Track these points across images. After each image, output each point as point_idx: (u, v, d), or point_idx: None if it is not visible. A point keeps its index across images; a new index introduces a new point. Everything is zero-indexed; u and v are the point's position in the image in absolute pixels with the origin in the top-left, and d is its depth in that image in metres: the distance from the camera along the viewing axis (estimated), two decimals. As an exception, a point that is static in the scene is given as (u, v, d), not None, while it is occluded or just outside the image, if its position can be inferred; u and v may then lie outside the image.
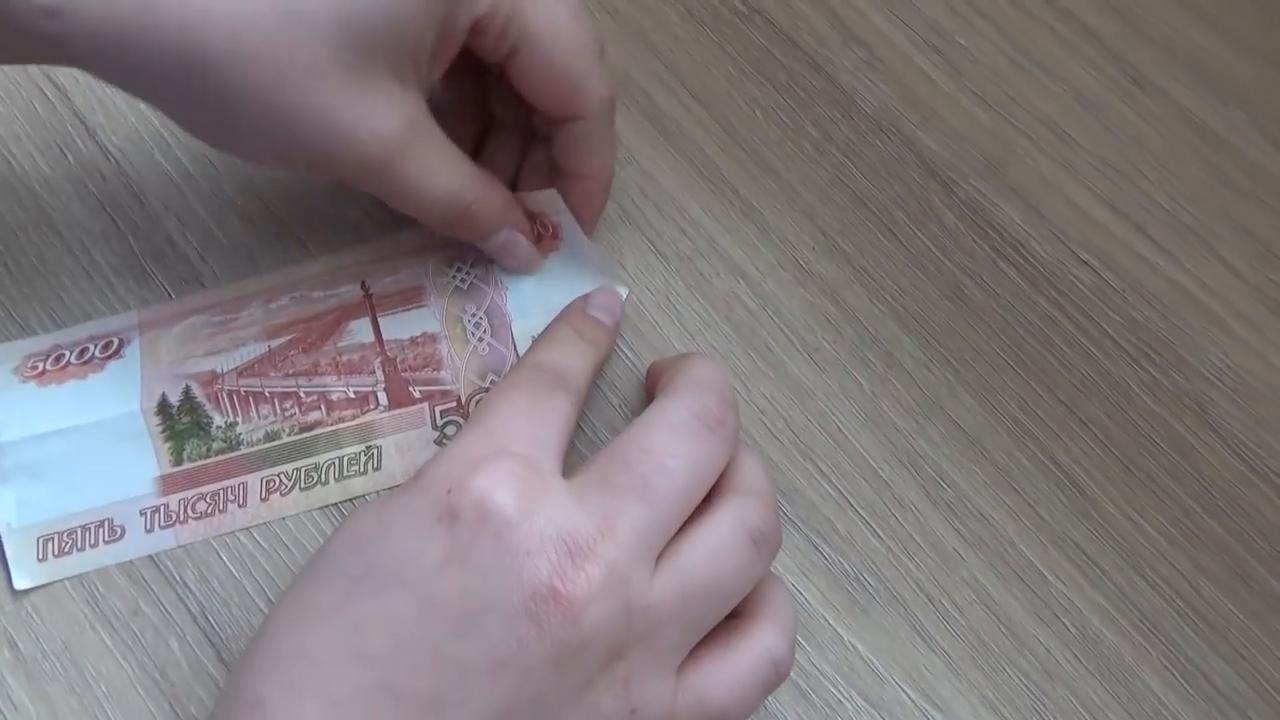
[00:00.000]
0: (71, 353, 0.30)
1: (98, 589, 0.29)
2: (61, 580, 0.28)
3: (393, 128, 0.25)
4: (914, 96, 0.36)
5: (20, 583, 0.28)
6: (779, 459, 0.31)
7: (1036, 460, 0.31)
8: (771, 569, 0.27)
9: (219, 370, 0.29)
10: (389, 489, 0.29)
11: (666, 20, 0.36)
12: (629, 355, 0.32)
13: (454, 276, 0.31)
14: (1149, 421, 0.32)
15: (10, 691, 0.28)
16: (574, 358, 0.27)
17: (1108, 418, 0.32)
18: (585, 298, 0.30)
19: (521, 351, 0.30)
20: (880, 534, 0.30)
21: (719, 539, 0.24)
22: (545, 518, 0.22)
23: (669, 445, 0.24)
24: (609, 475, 0.24)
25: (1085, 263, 0.33)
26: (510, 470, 0.23)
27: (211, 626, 0.28)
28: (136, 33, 0.23)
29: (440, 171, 0.27)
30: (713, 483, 0.25)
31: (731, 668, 0.24)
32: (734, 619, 0.25)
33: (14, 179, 0.33)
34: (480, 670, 0.22)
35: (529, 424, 0.24)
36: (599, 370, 0.29)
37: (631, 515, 0.23)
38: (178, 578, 0.29)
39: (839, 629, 0.29)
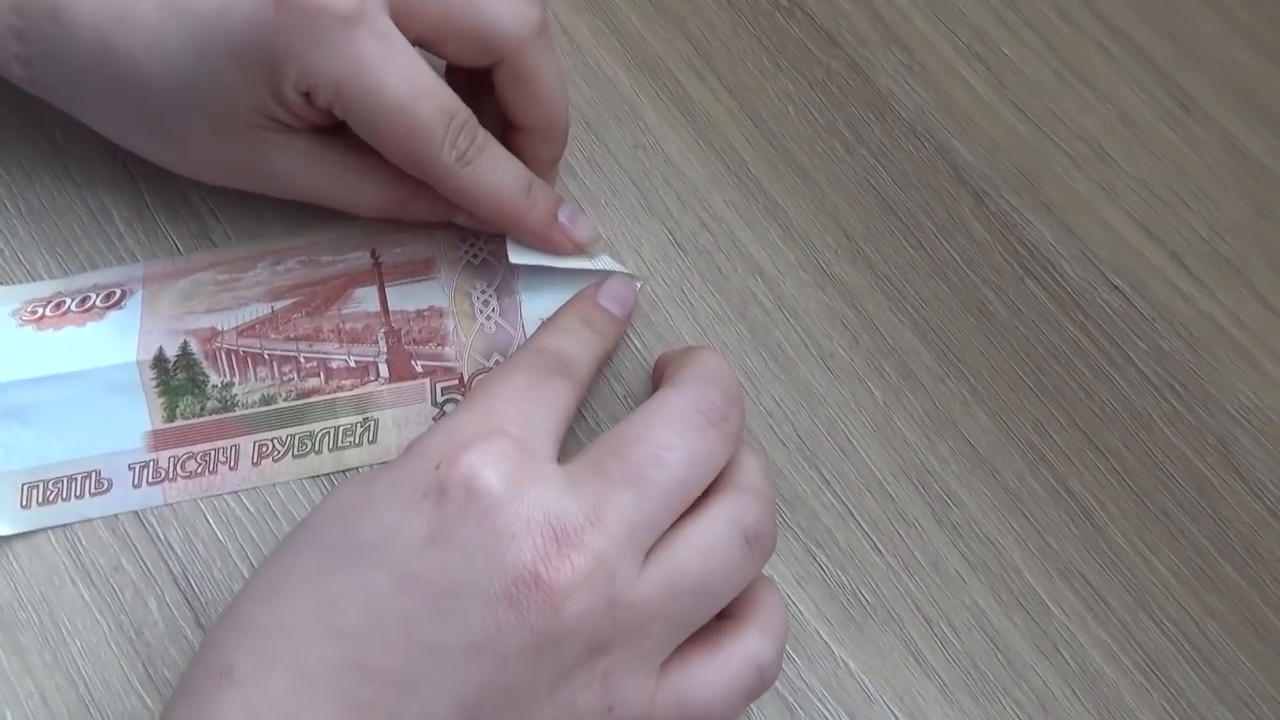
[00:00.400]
0: (73, 300, 0.29)
1: (80, 542, 0.28)
2: (44, 529, 0.28)
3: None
4: (952, 104, 0.35)
5: (2, 528, 0.27)
6: (783, 464, 0.30)
7: (1049, 486, 0.30)
8: (766, 574, 0.27)
9: (219, 328, 0.29)
10: (383, 463, 0.29)
11: (704, 7, 0.35)
12: (638, 346, 0.31)
13: (466, 251, 0.30)
14: (1169, 456, 0.31)
15: (-15, 638, 0.27)
16: (579, 346, 0.26)
17: (1126, 448, 0.31)
18: (597, 285, 0.29)
19: (530, 333, 0.29)
20: (882, 549, 0.29)
21: (712, 536, 0.23)
22: (534, 501, 0.22)
23: (667, 437, 0.23)
24: (603, 463, 0.23)
25: (1116, 287, 0.32)
26: (502, 450, 0.22)
27: (192, 589, 0.28)
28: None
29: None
30: (711, 479, 0.24)
31: (716, 670, 0.23)
32: (722, 620, 0.24)
33: (33, 121, 0.33)
34: (455, 653, 0.21)
35: (525, 406, 0.24)
36: (605, 360, 0.28)
37: (623, 506, 0.22)
38: (162, 537, 0.28)
39: (831, 644, 0.28)
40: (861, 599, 0.29)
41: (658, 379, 0.28)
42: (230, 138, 0.28)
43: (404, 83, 0.25)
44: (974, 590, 0.29)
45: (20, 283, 0.31)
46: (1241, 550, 0.30)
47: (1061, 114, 0.35)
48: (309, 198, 0.29)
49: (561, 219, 0.29)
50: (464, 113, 0.26)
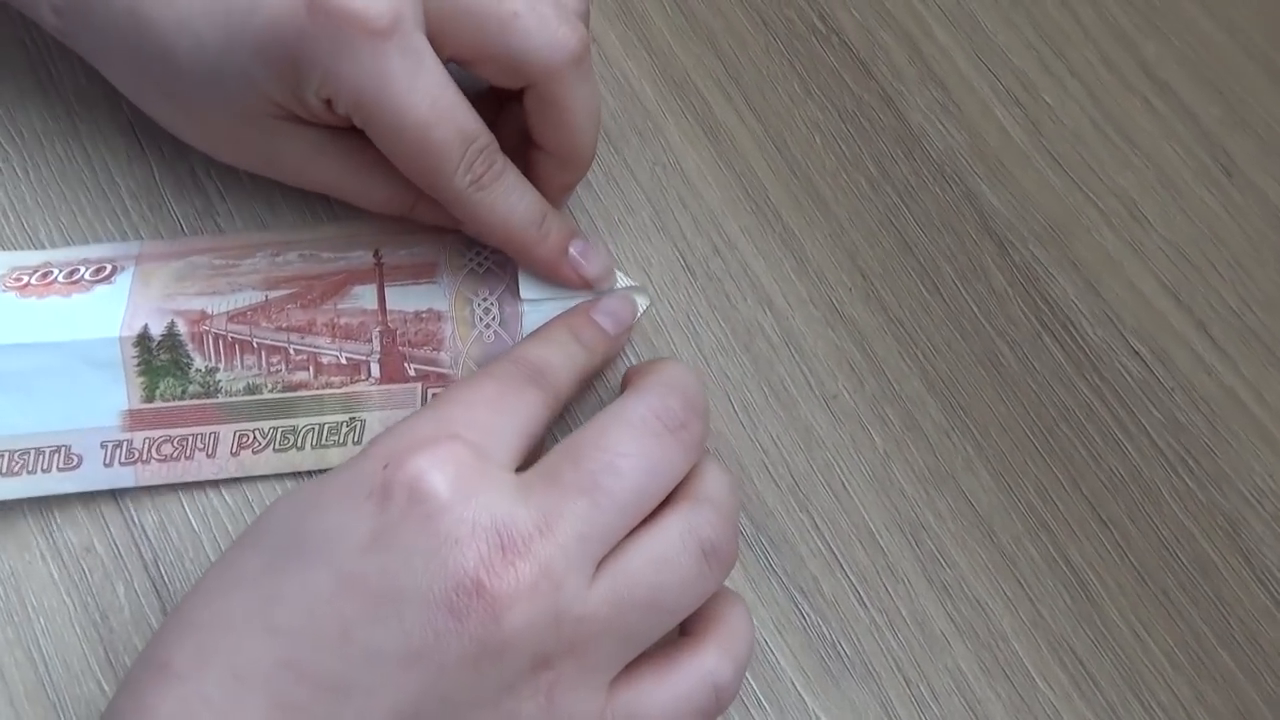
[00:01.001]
0: (61, 271, 0.29)
1: (55, 519, 0.28)
2: (7, 500, 0.27)
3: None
4: (985, 147, 0.34)
5: None
6: (774, 505, 0.29)
7: (1046, 554, 0.29)
8: (733, 590, 0.26)
9: (209, 311, 0.28)
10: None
11: (738, 25, 0.35)
12: (637, 369, 0.30)
13: (471, 259, 0.30)
14: (1175, 533, 0.29)
15: (-51, 607, 0.27)
16: (561, 358, 0.26)
17: (1131, 522, 0.30)
18: (596, 301, 0.28)
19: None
20: (867, 602, 0.28)
21: (665, 547, 0.22)
22: (481, 506, 0.21)
23: (623, 444, 0.22)
24: (558, 470, 0.22)
25: (1136, 352, 0.31)
26: (453, 454, 0.22)
27: (161, 577, 0.28)
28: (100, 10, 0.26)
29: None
30: (668, 488, 0.23)
31: (670, 687, 0.22)
32: (682, 636, 0.24)
33: (49, 86, 0.32)
34: (391, 660, 0.20)
35: (490, 413, 0.23)
36: (590, 375, 0.28)
37: (575, 515, 0.22)
38: (137, 521, 0.28)
39: (805, 696, 0.28)
40: (841, 652, 0.28)
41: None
42: (247, 122, 0.27)
43: (427, 104, 0.25)
44: (958, 654, 0.28)
45: (22, 249, 0.30)
46: (1241, 639, 0.29)
47: (1098, 167, 0.34)
48: (318, 188, 0.29)
49: (573, 252, 0.28)
50: (484, 138, 0.26)
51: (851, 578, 0.29)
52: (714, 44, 0.34)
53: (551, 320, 0.28)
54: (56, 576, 0.27)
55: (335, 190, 0.29)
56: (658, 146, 0.33)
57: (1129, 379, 0.31)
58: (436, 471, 0.21)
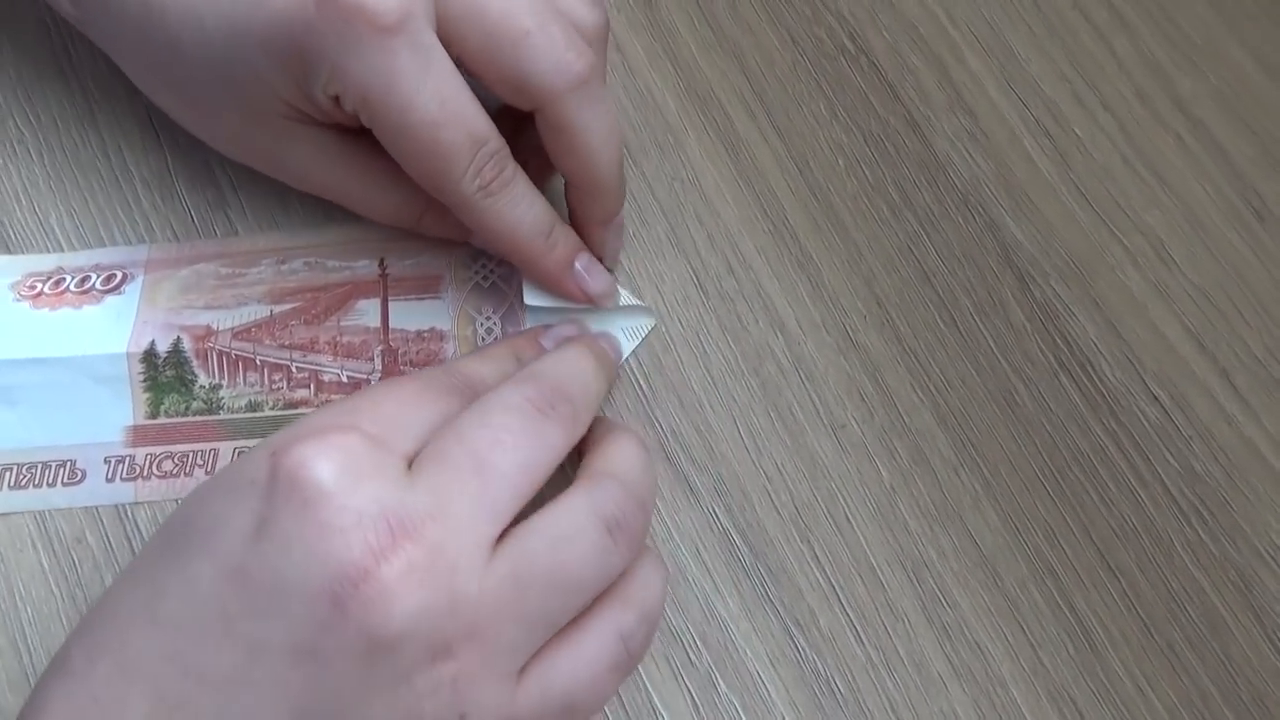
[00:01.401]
0: (73, 279, 0.29)
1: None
2: (10, 514, 0.27)
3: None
4: (1011, 178, 0.33)
5: None
6: (774, 533, 0.29)
7: (1051, 599, 0.28)
8: (651, 546, 0.25)
9: (215, 327, 0.28)
10: None
11: (766, 41, 0.34)
12: (641, 384, 0.30)
13: (476, 272, 0.29)
14: (1185, 586, 0.29)
15: (-62, 591, 0.27)
16: (495, 375, 0.25)
17: (1140, 571, 0.29)
18: (545, 328, 0.28)
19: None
20: (864, 639, 0.28)
21: (566, 524, 0.22)
22: (370, 496, 0.20)
23: (508, 423, 0.22)
24: (444, 452, 0.21)
25: (1155, 397, 0.31)
26: (344, 444, 0.21)
27: (151, 572, 0.27)
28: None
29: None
30: (555, 465, 0.23)
31: (574, 652, 0.22)
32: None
33: (69, 70, 0.32)
34: (277, 654, 0.20)
35: (399, 408, 0.22)
36: None
37: (465, 495, 0.21)
38: (129, 515, 0.28)
39: (795, 731, 0.27)
40: (835, 688, 0.27)
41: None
42: (255, 121, 0.27)
43: (435, 103, 0.24)
44: (954, 698, 0.27)
45: (31, 233, 0.30)
46: (1248, 699, 0.28)
47: (1125, 204, 0.33)
48: (323, 194, 0.29)
49: (578, 266, 0.28)
50: (495, 142, 0.25)
51: (850, 613, 0.28)
52: (740, 60, 0.34)
53: (498, 340, 0.27)
54: (46, 566, 0.27)
55: (341, 197, 0.29)
56: (677, 161, 0.32)
57: (1146, 424, 0.30)
58: (322, 459, 0.20)
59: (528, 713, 0.21)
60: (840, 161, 0.33)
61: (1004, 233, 0.32)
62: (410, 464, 0.22)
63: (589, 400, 0.24)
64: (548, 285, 0.28)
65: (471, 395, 0.24)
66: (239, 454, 0.28)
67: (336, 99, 0.25)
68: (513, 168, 0.26)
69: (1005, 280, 0.32)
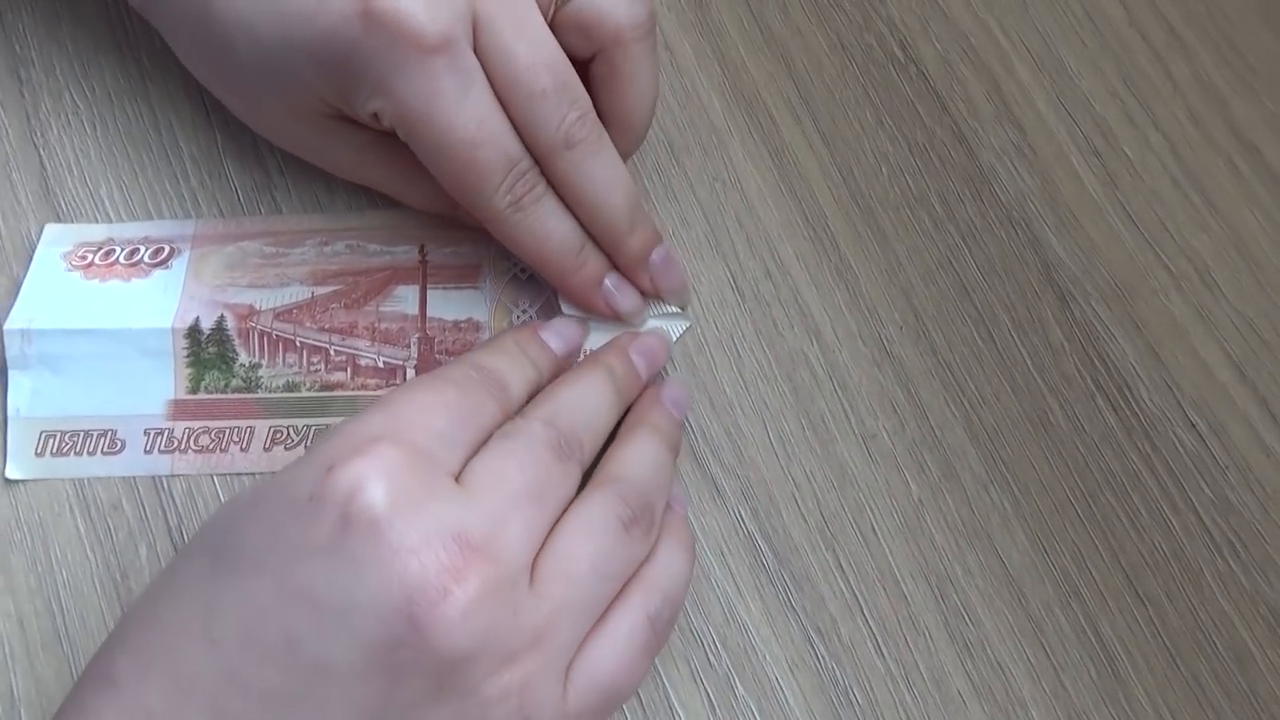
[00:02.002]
0: (122, 250, 0.29)
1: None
2: (50, 479, 0.28)
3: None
4: (1057, 195, 0.32)
5: (13, 472, 0.27)
6: (799, 539, 0.29)
7: (1076, 623, 0.28)
8: (674, 526, 0.26)
9: (257, 306, 0.28)
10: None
11: (815, 47, 0.34)
12: (675, 387, 0.30)
13: (515, 264, 0.30)
14: (1213, 618, 0.28)
15: (-24, 551, 0.27)
16: (515, 372, 0.26)
17: (1168, 600, 0.28)
18: (548, 322, 0.28)
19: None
20: (884, 651, 0.28)
21: (595, 521, 0.23)
22: (433, 514, 0.21)
23: (546, 458, 0.24)
24: (501, 476, 0.23)
25: (1193, 424, 0.30)
26: (398, 459, 0.21)
27: (184, 542, 0.28)
28: None
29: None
30: (570, 499, 0.24)
31: (608, 639, 0.23)
32: None
33: (124, 46, 0.33)
34: (345, 672, 0.20)
35: (447, 421, 0.23)
36: (535, 394, 0.27)
37: (521, 518, 0.22)
38: (165, 486, 0.28)
39: (811, 739, 0.27)
40: (853, 699, 0.27)
41: None
42: (301, 119, 0.28)
43: (473, 124, 0.25)
44: (973, 716, 0.27)
45: (81, 203, 0.31)
46: (1272, 735, 0.27)
47: (1172, 227, 0.32)
48: (366, 184, 0.29)
49: (608, 284, 0.28)
50: (527, 163, 0.26)
51: (871, 624, 0.28)
52: (789, 63, 0.34)
53: (500, 335, 0.27)
54: (83, 530, 0.28)
55: (382, 187, 0.29)
56: (720, 162, 0.32)
57: (1182, 451, 0.30)
58: (378, 477, 0.21)
59: (579, 704, 0.23)
60: (884, 170, 0.33)
61: (1046, 250, 0.32)
62: (457, 476, 0.23)
63: (597, 441, 0.26)
64: (577, 301, 0.28)
65: (502, 396, 0.25)
66: (274, 431, 0.28)
67: (375, 115, 0.25)
68: (543, 186, 0.26)
69: (1045, 298, 0.31)
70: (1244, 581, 0.29)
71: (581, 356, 0.28)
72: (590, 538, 0.23)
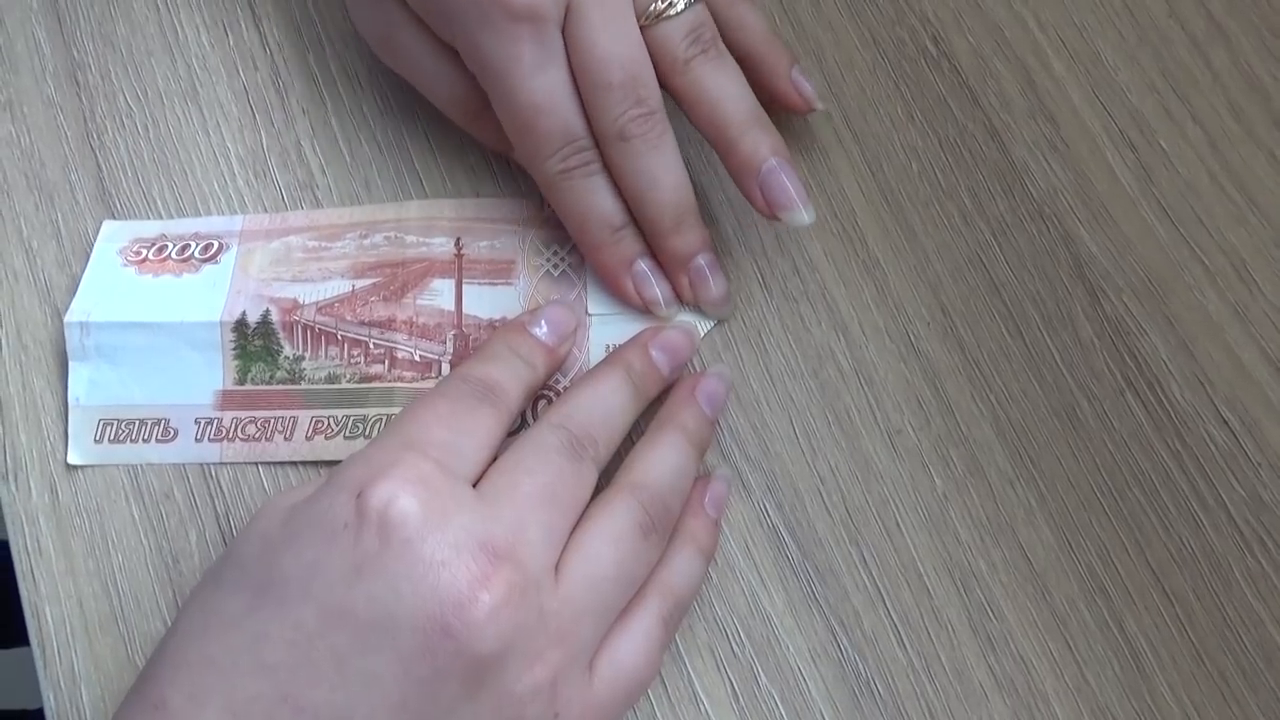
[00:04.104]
0: (174, 246, 0.31)
1: (141, 464, 0.30)
2: (109, 465, 0.29)
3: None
4: (1090, 190, 0.32)
5: (74, 458, 0.29)
6: (824, 534, 0.29)
7: (1101, 619, 0.28)
8: (691, 535, 0.27)
9: (301, 300, 0.30)
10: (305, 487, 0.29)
11: (847, 41, 0.34)
12: (703, 382, 0.30)
13: (548, 259, 0.30)
14: (1241, 616, 0.28)
15: (40, 534, 0.29)
16: (506, 374, 0.26)
17: (1195, 598, 0.28)
18: (533, 313, 0.29)
19: (595, 358, 0.29)
20: (906, 644, 0.28)
21: (618, 526, 0.25)
22: (459, 527, 0.22)
23: (561, 464, 0.25)
24: (516, 484, 0.24)
25: (1225, 421, 0.30)
26: (419, 477, 0.23)
27: (231, 531, 0.29)
28: None
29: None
30: (588, 500, 0.25)
31: (630, 635, 0.25)
32: None
33: (176, 47, 0.34)
34: (389, 684, 0.21)
35: (448, 432, 0.24)
36: (535, 389, 0.28)
37: (540, 524, 0.23)
38: (213, 475, 0.29)
39: (832, 728, 0.28)
40: (875, 690, 0.28)
41: None
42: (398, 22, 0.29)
43: (540, 95, 0.27)
44: (994, 709, 0.28)
45: (135, 203, 0.32)
46: (1299, 734, 0.27)
47: (1209, 222, 0.32)
48: (396, 63, 0.31)
49: (638, 268, 0.29)
50: (585, 140, 0.28)
51: (894, 617, 0.28)
52: (820, 57, 0.34)
53: (489, 338, 0.28)
54: (137, 517, 0.29)
55: (411, 70, 0.30)
56: (750, 159, 0.33)
57: (1213, 448, 0.30)
58: (406, 495, 0.22)
59: (605, 696, 0.24)
60: (914, 166, 0.33)
61: (1078, 246, 0.32)
62: (474, 485, 0.24)
63: (614, 439, 0.27)
64: (606, 281, 0.29)
65: (496, 400, 0.26)
66: (315, 421, 0.29)
67: (457, 54, 0.28)
68: (597, 165, 0.28)
69: (1076, 294, 0.31)
70: (1274, 580, 0.29)
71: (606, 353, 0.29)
72: (612, 544, 0.24)
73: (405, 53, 0.30)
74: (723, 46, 0.28)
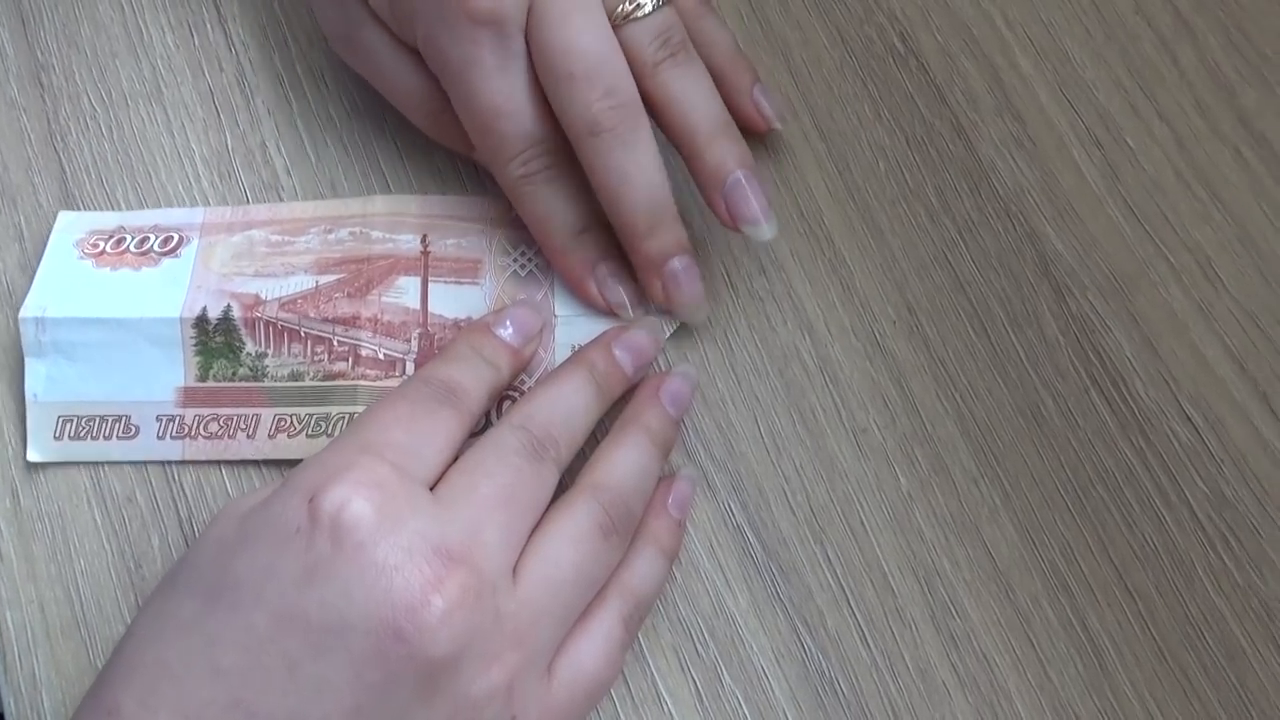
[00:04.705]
0: (133, 239, 0.30)
1: (103, 467, 0.29)
2: (69, 463, 0.29)
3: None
4: (1056, 188, 0.32)
5: (34, 455, 0.29)
6: (788, 533, 0.29)
7: (1064, 617, 0.28)
8: (653, 537, 0.27)
9: (263, 296, 0.29)
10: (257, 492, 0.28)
11: (814, 40, 0.34)
12: (669, 382, 0.30)
13: (515, 259, 0.30)
14: (1204, 612, 0.28)
15: (0, 539, 0.29)
16: (469, 376, 0.26)
17: (1158, 594, 0.29)
18: (501, 312, 0.29)
19: (560, 359, 0.29)
20: (870, 643, 0.28)
21: (578, 528, 0.25)
22: (412, 531, 0.22)
23: (519, 464, 0.25)
24: (473, 486, 0.24)
25: (1189, 418, 0.30)
26: (374, 480, 0.22)
27: (194, 534, 0.29)
28: None
29: None
30: (549, 501, 0.25)
31: (590, 638, 0.25)
32: None
33: (141, 48, 0.34)
34: (342, 689, 0.21)
35: (406, 435, 0.24)
36: (499, 391, 0.28)
37: (497, 525, 0.23)
38: (176, 478, 0.29)
39: (796, 727, 0.28)
40: (838, 689, 0.28)
41: None
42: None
43: (502, 96, 0.27)
44: (957, 707, 0.28)
45: (99, 205, 0.32)
46: (1261, 730, 0.27)
47: (1174, 219, 0.32)
48: (356, 62, 0.30)
49: (601, 271, 0.29)
50: (549, 144, 0.27)
51: (858, 616, 0.28)
52: (787, 57, 0.34)
53: (453, 340, 0.28)
54: (99, 521, 0.29)
55: (373, 69, 0.30)
56: (716, 158, 0.33)
57: (1176, 446, 0.30)
58: (359, 500, 0.22)
59: (563, 699, 0.24)
60: (881, 165, 0.33)
61: (1044, 243, 0.32)
62: (432, 488, 0.24)
63: (576, 439, 0.26)
64: (570, 285, 0.29)
65: (457, 402, 0.25)
66: (278, 419, 0.29)
67: (418, 54, 0.28)
68: (559, 168, 0.28)
69: (1041, 292, 0.31)
70: (1237, 577, 0.29)
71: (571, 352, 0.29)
72: (572, 545, 0.24)
73: (367, 52, 0.30)
74: (693, 50, 0.28)
